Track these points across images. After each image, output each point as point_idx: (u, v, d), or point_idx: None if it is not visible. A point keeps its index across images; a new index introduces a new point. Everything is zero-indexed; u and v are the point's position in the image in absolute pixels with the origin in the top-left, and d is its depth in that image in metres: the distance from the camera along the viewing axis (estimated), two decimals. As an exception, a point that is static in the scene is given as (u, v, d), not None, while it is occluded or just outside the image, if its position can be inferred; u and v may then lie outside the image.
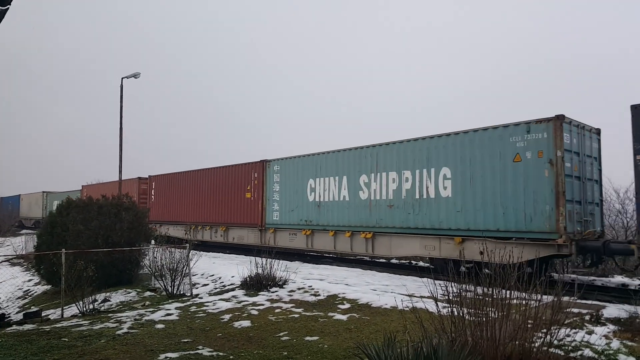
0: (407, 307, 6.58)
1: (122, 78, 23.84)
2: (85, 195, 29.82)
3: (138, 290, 12.72)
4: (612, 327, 6.94)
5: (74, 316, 9.82)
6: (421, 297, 8.07)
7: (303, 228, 16.80)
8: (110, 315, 9.27)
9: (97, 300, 10.95)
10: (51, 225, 14.92)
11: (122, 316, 8.88)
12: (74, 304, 10.27)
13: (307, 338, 6.91)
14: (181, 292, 11.25)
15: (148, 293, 12.27)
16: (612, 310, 8.09)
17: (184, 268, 11.44)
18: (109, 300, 11.80)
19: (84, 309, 10.06)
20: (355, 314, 8.28)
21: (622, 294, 9.97)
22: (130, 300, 11.77)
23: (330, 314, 8.40)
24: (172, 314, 8.90)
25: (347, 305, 8.94)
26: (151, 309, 9.47)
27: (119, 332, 7.51)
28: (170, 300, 10.49)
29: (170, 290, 11.18)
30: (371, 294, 9.80)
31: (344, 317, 8.10)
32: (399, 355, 4.32)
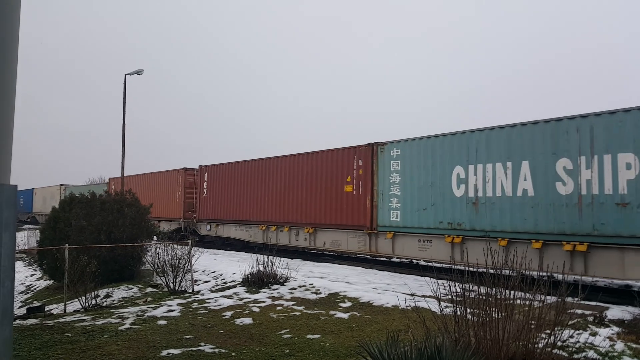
0: (409, 306, 6.56)
1: (125, 75, 23.82)
2: (113, 190, 27.44)
3: (140, 286, 12.73)
4: (616, 328, 6.89)
5: (76, 311, 9.83)
6: (423, 296, 8.03)
7: (445, 233, 12.34)
8: (112, 310, 9.27)
9: (99, 296, 10.98)
10: (54, 220, 14.96)
11: (124, 312, 8.88)
12: (76, 299, 10.29)
13: (309, 336, 6.89)
14: (183, 289, 11.26)
15: (150, 289, 12.29)
16: (616, 311, 8.05)
17: (186, 264, 11.45)
18: (111, 296, 11.82)
19: (87, 304, 10.08)
20: (356, 313, 8.26)
21: (625, 296, 9.92)
22: (133, 296, 11.79)
23: (332, 312, 8.39)
24: (174, 310, 8.90)
25: (348, 304, 8.93)
26: (153, 305, 9.48)
27: (122, 327, 7.51)
28: (172, 297, 10.50)
29: (172, 287, 11.19)
30: (372, 292, 9.78)
31: (345, 316, 8.08)
32: (402, 355, 4.29)
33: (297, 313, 8.38)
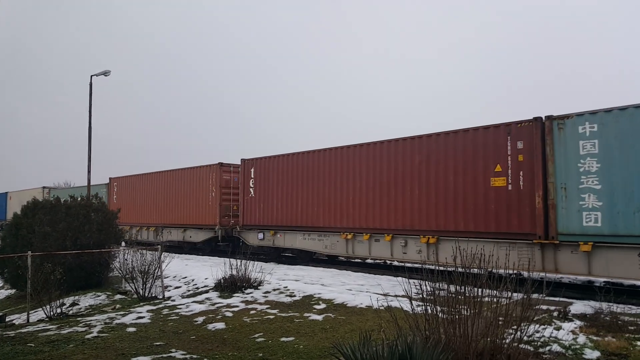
0: (382, 306, 6.64)
1: (92, 76, 23.21)
2: (114, 191, 26.76)
3: (108, 293, 12.41)
4: (578, 322, 7.18)
5: (40, 321, 9.52)
6: (396, 296, 8.16)
7: None
8: (79, 319, 9.01)
9: (65, 304, 10.63)
10: (16, 227, 14.42)
11: (91, 320, 8.64)
12: (40, 308, 9.96)
13: (283, 339, 6.88)
14: (153, 295, 11.04)
15: (118, 296, 11.99)
16: (579, 306, 8.39)
17: (156, 270, 11.24)
18: (78, 304, 11.46)
19: (51, 313, 9.76)
20: (330, 314, 8.30)
21: (588, 291, 10.33)
22: (100, 303, 11.47)
23: (306, 314, 8.40)
24: (144, 317, 8.71)
25: (322, 306, 8.96)
26: (122, 312, 9.25)
27: (89, 336, 7.31)
28: (141, 303, 10.28)
29: (141, 293, 10.96)
30: (347, 293, 9.85)
31: (319, 317, 8.11)
32: (375, 354, 4.35)
33: (271, 316, 8.35)
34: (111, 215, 14.81)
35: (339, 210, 14.81)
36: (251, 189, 18.21)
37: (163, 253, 11.77)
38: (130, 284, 11.29)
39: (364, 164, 14.26)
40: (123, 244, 14.71)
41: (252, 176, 18.16)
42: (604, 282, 11.68)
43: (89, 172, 23.89)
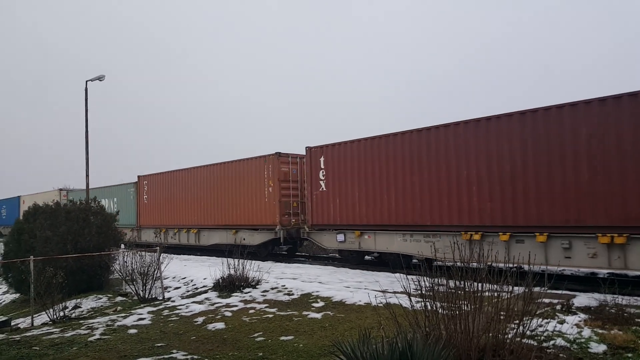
0: (381, 303, 6.57)
1: (87, 81, 23.16)
2: (144, 190, 24.16)
3: (109, 295, 12.40)
4: (583, 315, 7.07)
5: (44, 324, 9.57)
6: (394, 292, 8.08)
7: None
8: (81, 322, 9.02)
9: (67, 307, 10.64)
10: (18, 232, 14.51)
11: (93, 322, 8.63)
12: (44, 312, 10.03)
13: (282, 338, 6.82)
14: (153, 296, 11.02)
15: (119, 298, 11.98)
16: (583, 299, 8.27)
17: (155, 272, 11.23)
18: (80, 307, 11.47)
19: (55, 316, 9.80)
20: (329, 312, 8.24)
21: (591, 283, 10.22)
22: (102, 306, 11.47)
23: (305, 312, 8.35)
24: (145, 318, 8.69)
25: (321, 304, 8.90)
26: (123, 314, 9.23)
27: (91, 338, 7.31)
28: (142, 305, 10.26)
29: (141, 295, 10.94)
30: (345, 291, 9.79)
31: (318, 316, 8.05)
32: (375, 351, 4.28)
33: (270, 315, 8.29)
34: (110, 218, 14.82)
35: (457, 204, 11.72)
36: (321, 182, 15.21)
37: (162, 254, 11.74)
38: (131, 286, 11.28)
39: (504, 141, 10.92)
40: (122, 246, 14.69)
41: (322, 166, 15.15)
42: (608, 273, 11.57)
43: (87, 176, 23.86)
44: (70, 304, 11.31)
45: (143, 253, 11.76)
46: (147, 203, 24.14)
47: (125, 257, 11.99)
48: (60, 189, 34.21)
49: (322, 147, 15.43)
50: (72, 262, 12.21)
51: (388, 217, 13.41)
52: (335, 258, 17.18)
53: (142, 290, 10.96)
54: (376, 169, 13.76)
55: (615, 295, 7.52)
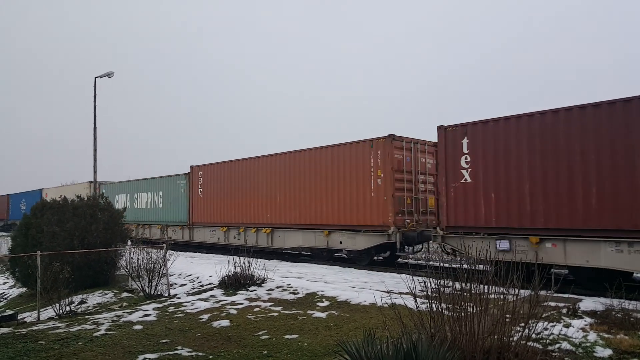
0: (386, 303, 6.57)
1: (95, 77, 23.36)
2: (199, 182, 21.22)
3: (115, 291, 12.48)
4: (589, 319, 7.03)
5: (50, 319, 9.62)
6: (400, 293, 8.07)
7: None
8: (87, 317, 9.08)
9: (73, 302, 10.73)
10: (26, 227, 14.62)
11: (99, 318, 8.69)
12: (50, 307, 10.08)
13: (287, 336, 6.84)
14: (159, 293, 11.07)
15: (125, 294, 12.06)
16: (589, 303, 8.22)
17: (161, 268, 11.28)
18: (86, 302, 11.56)
19: (61, 311, 9.87)
20: (334, 312, 8.25)
21: (598, 287, 10.14)
22: (107, 301, 11.54)
23: (310, 311, 8.36)
24: (150, 314, 8.74)
25: (326, 303, 8.91)
26: (129, 310, 9.29)
27: (97, 333, 7.35)
28: (147, 301, 10.31)
29: (147, 291, 10.99)
30: (350, 291, 9.79)
31: (323, 315, 8.06)
32: (379, 352, 4.28)
33: (275, 314, 8.31)
34: (117, 215, 14.89)
35: None
36: (464, 172, 11.84)
37: (168, 251, 11.79)
38: (137, 282, 11.33)
39: None
40: (129, 242, 14.78)
41: (466, 150, 11.83)
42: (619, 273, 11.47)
43: (94, 172, 24.11)
44: (77, 299, 11.40)
45: (149, 250, 11.82)
46: (203, 197, 21.08)
47: (132, 253, 12.06)
48: (91, 182, 30.80)
49: (465, 125, 11.88)
50: (79, 257, 12.30)
51: (591, 217, 9.82)
52: (341, 258, 16.95)
53: (148, 287, 11.02)
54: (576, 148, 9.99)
55: (622, 300, 7.47)
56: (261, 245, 17.89)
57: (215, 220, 20.46)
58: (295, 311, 8.45)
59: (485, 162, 11.51)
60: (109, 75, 22.92)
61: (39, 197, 35.83)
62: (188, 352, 6.23)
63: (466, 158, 11.87)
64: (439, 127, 12.44)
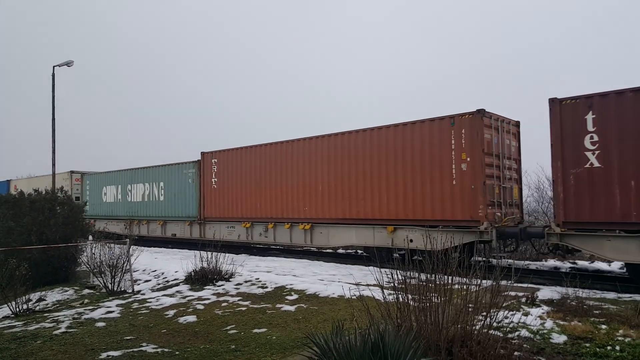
0: (354, 295, 6.66)
1: (54, 66, 22.39)
2: (213, 171, 18.53)
3: (76, 288, 12.08)
4: (546, 308, 7.37)
5: (5, 317, 9.25)
6: (367, 285, 8.20)
7: None
8: (46, 315, 8.77)
9: (31, 300, 10.33)
10: (-22, 222, 13.88)
11: (59, 315, 8.41)
12: (5, 305, 9.67)
13: (255, 330, 6.83)
14: (122, 289, 10.81)
15: (87, 291, 11.69)
16: (546, 292, 8.62)
17: (125, 264, 11.00)
18: (45, 300, 11.12)
19: (17, 309, 9.49)
20: (303, 305, 8.29)
21: (554, 277, 10.63)
22: (68, 298, 11.16)
23: (278, 305, 8.37)
24: (113, 311, 8.53)
25: (295, 296, 8.94)
26: (90, 307, 9.03)
27: (57, 332, 7.12)
28: (110, 298, 10.06)
29: (110, 287, 10.71)
30: (319, 284, 9.86)
31: (292, 308, 8.09)
32: (348, 343, 4.34)
33: (243, 308, 8.28)
34: (77, 209, 14.40)
35: None
36: (589, 155, 9.90)
37: (132, 246, 11.51)
38: (99, 278, 11.03)
39: None
40: (90, 237, 14.33)
41: (592, 128, 9.87)
42: (570, 267, 12.05)
43: (53, 165, 23.19)
44: (35, 296, 10.97)
45: (112, 245, 11.50)
46: (218, 189, 18.37)
47: (94, 248, 11.70)
48: (72, 172, 27.59)
49: (590, 97, 9.98)
50: (37, 253, 11.84)
51: None
52: (309, 252, 17.09)
53: (111, 283, 10.74)
54: None
55: (577, 289, 7.86)
56: (297, 243, 15.80)
57: (235, 214, 17.65)
58: (264, 305, 8.44)
59: (622, 142, 9.59)
60: (68, 64, 22.03)
61: (6, 189, 32.23)
62: (153, 348, 6.12)
63: (592, 138, 9.90)
64: (552, 100, 10.44)
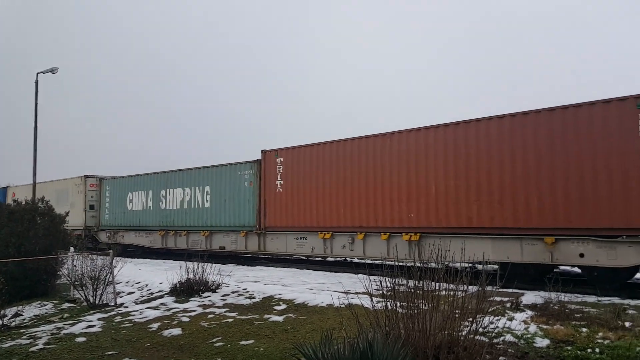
0: (343, 304, 6.65)
1: (38, 73, 22.05)
2: (278, 172, 15.65)
3: (55, 302, 11.78)
4: (530, 312, 7.48)
5: (-22, 335, 8.90)
6: (356, 293, 8.19)
7: None
8: (22, 331, 8.52)
9: (6, 316, 10.01)
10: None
11: (36, 331, 8.18)
12: (-22, 321, 9.31)
13: (242, 342, 6.75)
14: (104, 302, 10.58)
15: (67, 304, 11.41)
16: (530, 297, 8.76)
17: (107, 276, 10.77)
18: (21, 315, 10.81)
19: (-9, 326, 9.16)
20: (291, 315, 8.23)
21: (538, 282, 10.78)
22: (46, 313, 10.87)
23: (266, 315, 8.29)
24: (95, 325, 8.34)
25: (283, 306, 8.87)
26: (70, 322, 8.81)
27: (34, 348, 6.92)
28: (92, 311, 9.83)
29: (91, 301, 10.47)
30: (307, 293, 9.81)
31: (280, 319, 8.02)
32: (336, 352, 4.33)
33: (230, 320, 8.17)
34: (59, 220, 14.08)
35: None
36: None
37: (115, 258, 11.29)
38: (80, 291, 10.76)
39: None
40: (72, 249, 14.02)
41: None
42: (554, 272, 12.25)
43: (34, 174, 22.69)
44: (10, 311, 10.64)
45: (94, 256, 11.27)
46: (284, 193, 15.54)
47: (75, 260, 11.44)
48: (87, 176, 23.93)
49: None
50: (14, 266, 11.53)
51: None
52: (299, 260, 16.92)
53: (92, 296, 10.49)
54: None
55: (559, 293, 7.99)
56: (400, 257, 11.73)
57: (308, 223, 14.76)
58: (251, 316, 8.34)
59: None
60: (52, 71, 21.69)
61: (3, 197, 29.67)
62: (137, 362, 6.01)
63: None
64: None
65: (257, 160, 16.61)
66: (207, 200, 18.14)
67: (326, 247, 14.42)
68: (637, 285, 10.70)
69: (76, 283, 10.99)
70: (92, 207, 23.69)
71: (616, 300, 8.88)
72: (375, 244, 13.30)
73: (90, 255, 11.38)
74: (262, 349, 6.35)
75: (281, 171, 15.73)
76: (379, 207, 13.21)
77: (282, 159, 15.75)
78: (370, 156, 13.59)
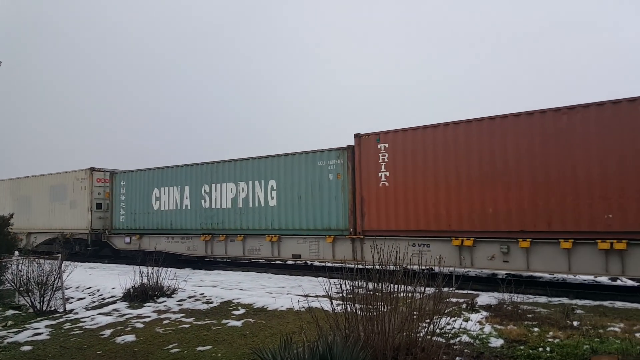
0: (303, 307, 6.60)
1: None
2: (381, 162, 12.18)
3: (-2, 309, 11.07)
4: (484, 313, 7.70)
5: None
6: (317, 296, 8.16)
7: None
8: (-40, 341, 7.92)
9: (-59, 326, 9.29)
10: None
11: (-24, 341, 7.64)
12: None
13: (199, 348, 6.57)
14: (52, 309, 10.03)
15: (10, 312, 10.72)
16: (485, 298, 9.02)
17: (56, 281, 10.23)
18: (-41, 324, 10.08)
19: None
20: (250, 319, 8.10)
21: (492, 283, 11.13)
22: (-12, 321, 10.19)
23: (224, 321, 8.12)
24: (42, 333, 7.91)
25: (242, 311, 8.72)
26: (15, 330, 8.30)
27: (-28, 360, 6.46)
28: (38, 318, 9.31)
29: (38, 307, 9.90)
30: (267, 297, 9.70)
31: (238, 323, 7.88)
32: (295, 356, 4.29)
33: (187, 325, 7.95)
34: (2, 222, 13.26)
35: None
36: None
37: (64, 262, 10.74)
38: (25, 297, 10.15)
39: None
40: (16, 253, 13.24)
41: None
42: (506, 274, 12.69)
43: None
44: (-53, 321, 9.93)
45: (42, 261, 10.68)
46: (391, 187, 12.28)
47: (20, 265, 10.80)
48: (93, 169, 20.14)
49: None
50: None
51: None
52: (258, 264, 16.63)
53: (40, 302, 9.93)
54: None
55: (512, 294, 8.28)
56: (587, 271, 9.92)
57: (432, 225, 11.57)
58: (208, 321, 8.14)
59: None
60: None
61: None
62: (87, 371, 5.73)
63: None
64: None
65: (348, 146, 13.25)
66: (271, 198, 14.71)
67: (462, 258, 11.05)
68: (584, 286, 11.27)
69: (21, 289, 10.37)
70: (99, 206, 19.94)
71: (565, 300, 9.29)
72: (548, 253, 9.95)
73: (37, 260, 10.77)
74: (220, 355, 6.21)
75: (386, 160, 12.43)
76: (551, 204, 9.83)
77: (386, 145, 12.41)
78: (533, 140, 10.21)
